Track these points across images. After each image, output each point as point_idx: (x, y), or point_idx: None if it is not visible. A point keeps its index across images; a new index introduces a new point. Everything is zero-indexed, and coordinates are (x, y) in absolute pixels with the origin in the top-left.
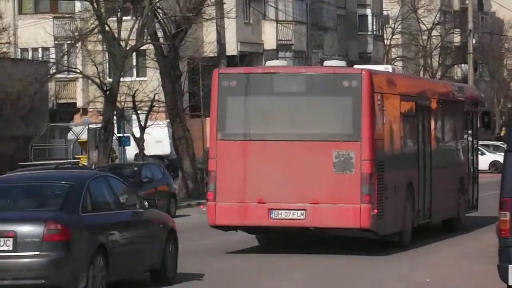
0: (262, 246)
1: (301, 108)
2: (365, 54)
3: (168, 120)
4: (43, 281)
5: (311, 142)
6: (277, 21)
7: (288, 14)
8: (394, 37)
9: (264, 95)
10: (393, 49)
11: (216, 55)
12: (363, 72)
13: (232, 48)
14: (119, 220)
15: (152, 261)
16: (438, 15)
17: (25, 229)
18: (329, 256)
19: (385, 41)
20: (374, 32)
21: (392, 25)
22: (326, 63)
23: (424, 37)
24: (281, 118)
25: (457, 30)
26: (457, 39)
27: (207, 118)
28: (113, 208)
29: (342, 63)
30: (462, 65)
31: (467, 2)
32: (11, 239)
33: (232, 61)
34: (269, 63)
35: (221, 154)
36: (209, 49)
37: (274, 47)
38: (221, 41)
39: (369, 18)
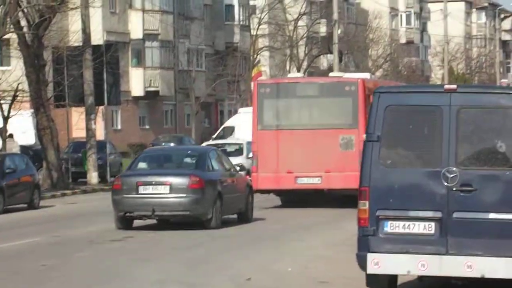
0: (286, 205)
1: (316, 106)
2: (231, 44)
3: (32, 110)
4: (188, 213)
5: (324, 129)
6: (143, 10)
7: (154, 3)
8: (260, 27)
9: (290, 98)
10: (260, 39)
11: (81, 44)
12: (359, 79)
13: (97, 37)
14: (226, 177)
15: (241, 206)
16: (304, 5)
17: (177, 180)
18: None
19: (252, 31)
20: (241, 22)
21: (259, 15)
22: (331, 74)
23: (291, 28)
24: (302, 113)
25: (323, 20)
26: (323, 29)
27: (72, 108)
28: (222, 170)
29: (342, 73)
30: (328, 55)
31: None
32: (168, 186)
33: (97, 50)
34: (290, 75)
35: (260, 140)
36: (74, 38)
37: (141, 36)
38: (86, 31)
39: (236, 8)
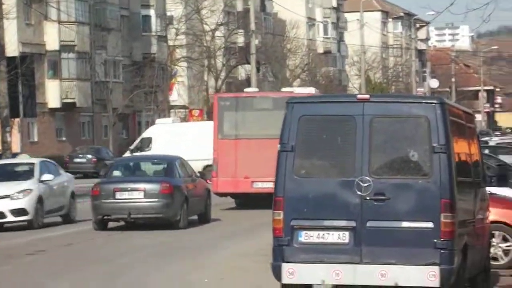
0: (240, 208)
1: (269, 118)
2: (149, 55)
3: None
4: (160, 215)
5: (277, 139)
6: (59, 21)
7: (70, 14)
8: (178, 37)
9: (247, 110)
10: (177, 50)
11: None
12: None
13: (12, 49)
14: (190, 182)
15: (201, 208)
16: (221, 16)
17: (149, 186)
18: None
19: (169, 41)
20: (158, 33)
21: (176, 26)
22: (283, 89)
23: (208, 38)
24: (258, 124)
25: (240, 31)
26: (240, 39)
27: None
28: (186, 176)
29: (293, 89)
30: (246, 65)
31: (249, 3)
32: (142, 192)
33: (12, 61)
34: (247, 89)
35: (220, 148)
36: None
37: (57, 48)
38: (0, 42)
39: (153, 18)
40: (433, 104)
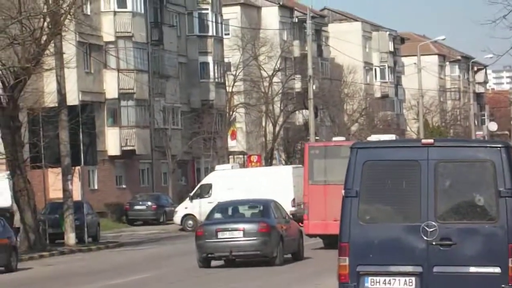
0: (328, 247)
1: None
2: (207, 102)
3: (8, 172)
4: (258, 252)
5: None
6: (118, 70)
7: (129, 62)
8: (236, 84)
9: (335, 158)
10: (235, 96)
11: (56, 105)
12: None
13: (73, 98)
14: (284, 223)
15: (295, 247)
16: (278, 61)
17: (248, 226)
18: None
19: (227, 88)
20: (216, 80)
21: (234, 72)
22: (369, 138)
23: (266, 84)
24: (343, 171)
25: (298, 76)
26: (297, 85)
27: (48, 169)
28: (280, 217)
29: (377, 136)
30: (303, 110)
31: (306, 49)
32: (242, 231)
33: (73, 110)
34: (335, 138)
35: (311, 192)
36: (50, 99)
37: (116, 96)
38: (61, 91)
39: (211, 65)
40: (499, 148)
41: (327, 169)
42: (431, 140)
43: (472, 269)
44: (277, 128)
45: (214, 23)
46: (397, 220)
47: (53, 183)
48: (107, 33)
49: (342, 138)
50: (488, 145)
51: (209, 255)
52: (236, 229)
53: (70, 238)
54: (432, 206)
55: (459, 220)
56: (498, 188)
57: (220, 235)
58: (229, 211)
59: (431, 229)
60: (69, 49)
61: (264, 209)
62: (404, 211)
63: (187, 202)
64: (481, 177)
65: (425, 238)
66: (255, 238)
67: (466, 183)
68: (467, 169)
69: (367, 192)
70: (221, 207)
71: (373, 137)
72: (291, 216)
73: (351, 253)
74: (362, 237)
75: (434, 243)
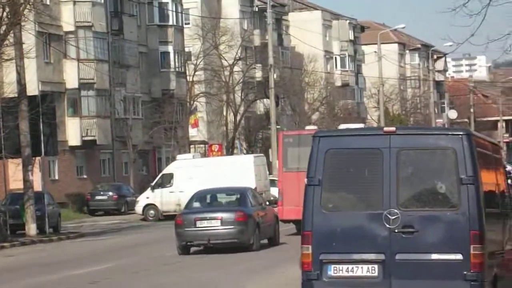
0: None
1: None
2: (168, 91)
3: None
4: (236, 240)
5: None
6: (78, 59)
7: (89, 52)
8: (196, 73)
9: (308, 146)
10: (196, 86)
11: (16, 95)
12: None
13: (33, 88)
14: (261, 210)
15: (271, 232)
16: (239, 50)
17: (226, 215)
18: None
19: (188, 77)
20: (177, 69)
21: (194, 62)
22: (339, 126)
23: (226, 73)
24: None
25: (258, 65)
26: (258, 74)
27: (8, 159)
28: (257, 204)
29: (347, 125)
30: (265, 99)
31: (267, 38)
32: (219, 220)
33: (33, 100)
34: (308, 127)
35: (285, 179)
36: (9, 89)
37: (76, 86)
38: (21, 82)
39: (171, 55)
40: (460, 136)
41: (300, 157)
42: (393, 128)
43: (434, 256)
44: (238, 117)
45: (174, 13)
46: (359, 208)
47: (13, 174)
48: (67, 23)
49: (315, 127)
50: (449, 133)
51: (188, 243)
52: (214, 218)
53: (31, 228)
54: (394, 194)
55: (421, 208)
56: (459, 175)
57: (198, 224)
58: (207, 200)
59: (393, 217)
60: (29, 39)
61: (241, 198)
62: (367, 199)
63: (148, 192)
64: (443, 165)
65: (387, 225)
66: (232, 227)
67: (428, 170)
68: (429, 157)
69: (329, 180)
70: (199, 196)
71: (342, 126)
72: (267, 203)
73: (314, 241)
74: (325, 225)
75: (396, 230)
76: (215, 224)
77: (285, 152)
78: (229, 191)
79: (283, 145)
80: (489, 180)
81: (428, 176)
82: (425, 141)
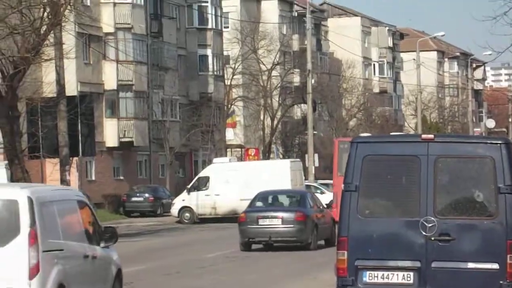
0: None
1: None
2: (205, 94)
3: (6, 162)
4: (295, 238)
5: None
6: (117, 61)
7: (128, 54)
8: (234, 77)
9: None
10: (233, 89)
11: (55, 95)
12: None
13: (72, 89)
14: (319, 212)
15: (327, 233)
16: (277, 55)
17: (286, 214)
18: None
19: (226, 81)
20: (215, 72)
21: (233, 65)
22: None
23: (264, 77)
24: None
25: (297, 70)
26: (296, 79)
27: (46, 159)
28: (315, 207)
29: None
30: (302, 104)
31: (306, 43)
32: (280, 219)
33: (72, 101)
34: (363, 134)
35: (339, 183)
36: (49, 89)
37: (115, 87)
38: (60, 82)
39: (210, 58)
40: (499, 145)
41: None
42: (431, 136)
43: (471, 265)
44: (275, 122)
45: (213, 16)
46: (396, 214)
47: (50, 174)
48: (107, 24)
49: (369, 134)
50: (488, 141)
51: (250, 240)
52: (275, 217)
53: None
54: (431, 202)
55: (458, 216)
56: (497, 184)
57: (260, 221)
58: (269, 200)
59: (430, 225)
60: (69, 39)
61: (301, 199)
62: (403, 206)
63: (184, 194)
64: (480, 173)
65: (423, 233)
66: (292, 225)
67: (466, 178)
68: (467, 165)
69: (366, 187)
70: (262, 196)
71: (363, 134)
72: (325, 206)
73: (350, 247)
74: (361, 231)
75: (432, 238)
76: (276, 222)
77: (340, 157)
78: (289, 192)
79: (338, 151)
80: None
81: (465, 184)
82: (463, 149)
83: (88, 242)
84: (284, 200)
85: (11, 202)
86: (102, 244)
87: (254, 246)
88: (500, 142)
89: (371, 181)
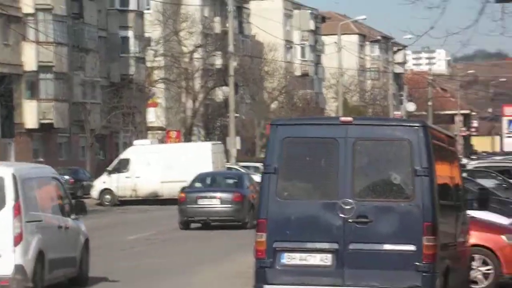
0: None
1: None
2: (127, 76)
3: None
4: (232, 218)
5: None
6: (37, 42)
7: (48, 35)
8: (156, 59)
9: None
10: (155, 71)
11: None
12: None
13: None
14: (254, 193)
15: None
16: (199, 37)
17: (224, 195)
18: None
19: (147, 63)
20: (136, 54)
21: (154, 47)
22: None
23: (186, 60)
24: None
25: (218, 52)
26: (218, 61)
27: None
28: (252, 188)
29: None
30: (224, 87)
31: (227, 25)
32: (219, 199)
33: None
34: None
35: None
36: None
37: (35, 68)
38: None
39: (131, 40)
40: (416, 127)
41: None
42: (349, 118)
43: (387, 247)
44: (197, 105)
45: None
46: (314, 197)
47: None
48: (27, 5)
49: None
50: (406, 124)
51: (189, 219)
52: (213, 197)
53: None
54: (349, 184)
55: (375, 198)
56: (414, 167)
57: (199, 201)
58: (207, 181)
59: (348, 207)
60: None
61: (238, 180)
62: (322, 188)
63: (105, 176)
64: (398, 156)
65: (341, 215)
66: (230, 205)
67: (384, 161)
68: (385, 148)
69: (286, 169)
70: (201, 177)
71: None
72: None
73: (268, 229)
74: (279, 213)
75: (350, 220)
76: (215, 202)
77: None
78: (227, 174)
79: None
80: (444, 172)
81: (383, 167)
82: (382, 132)
83: (61, 214)
84: (222, 181)
85: None
86: (72, 216)
87: (192, 225)
88: (417, 125)
89: (290, 163)
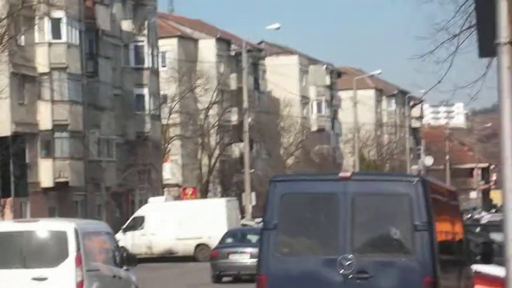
0: None
1: None
2: (142, 134)
3: None
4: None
5: None
6: (52, 101)
7: (63, 94)
8: (171, 116)
9: None
10: (170, 129)
11: None
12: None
13: (5, 129)
14: None
15: None
16: (215, 94)
17: (254, 250)
18: None
19: (163, 120)
20: (151, 112)
21: (170, 105)
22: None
23: (202, 116)
24: None
25: (234, 109)
26: (234, 117)
27: None
28: None
29: None
30: (240, 143)
31: (243, 82)
32: (249, 254)
33: (4, 142)
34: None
35: None
36: None
37: (50, 127)
38: None
39: (146, 97)
40: (414, 182)
41: None
42: (348, 174)
43: None
44: (213, 161)
45: (150, 55)
46: (314, 253)
47: None
48: (42, 64)
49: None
50: (404, 179)
51: (221, 273)
52: (243, 252)
53: None
54: (349, 239)
55: (375, 253)
56: (414, 221)
57: (230, 257)
58: (238, 237)
59: (347, 262)
60: (2, 79)
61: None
62: (322, 244)
63: (120, 234)
64: (397, 211)
65: (341, 271)
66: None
67: (383, 216)
68: (384, 203)
69: (285, 225)
70: (231, 233)
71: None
72: None
73: (268, 285)
74: (279, 269)
75: (350, 276)
76: (245, 257)
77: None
78: (256, 230)
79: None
80: (445, 227)
81: (383, 221)
82: (380, 187)
83: (114, 265)
84: (251, 237)
85: (61, 232)
86: (124, 267)
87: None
88: (416, 179)
89: (290, 219)
